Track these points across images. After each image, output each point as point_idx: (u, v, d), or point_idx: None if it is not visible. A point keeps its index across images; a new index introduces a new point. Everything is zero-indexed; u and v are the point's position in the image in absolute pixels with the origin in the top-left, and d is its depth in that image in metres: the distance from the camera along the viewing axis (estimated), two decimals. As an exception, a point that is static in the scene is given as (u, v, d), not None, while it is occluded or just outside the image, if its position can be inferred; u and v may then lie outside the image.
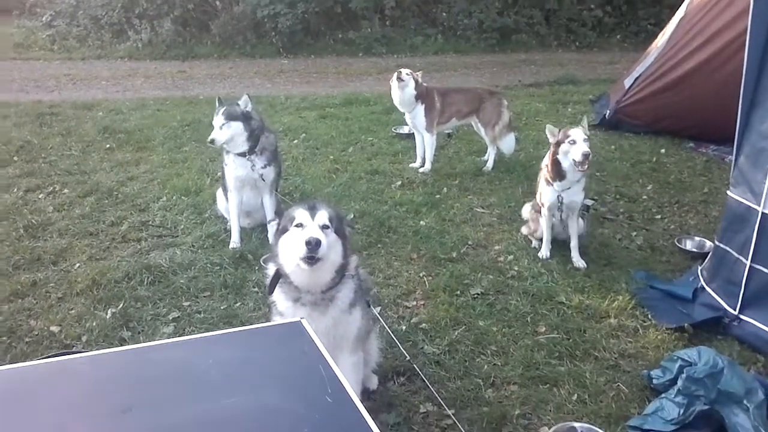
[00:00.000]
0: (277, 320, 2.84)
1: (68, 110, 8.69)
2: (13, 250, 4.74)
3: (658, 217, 5.70)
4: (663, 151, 7.45)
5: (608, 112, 8.17)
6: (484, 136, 6.79)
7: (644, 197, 6.11)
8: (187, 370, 1.85)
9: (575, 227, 4.79)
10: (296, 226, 2.64)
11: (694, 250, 4.97)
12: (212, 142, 4.81)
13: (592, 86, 10.78)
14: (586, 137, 4.55)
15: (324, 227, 2.63)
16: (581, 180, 4.68)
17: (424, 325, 3.98)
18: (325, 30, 14.69)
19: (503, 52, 14.74)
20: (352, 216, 5.41)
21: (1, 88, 10.24)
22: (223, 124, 4.77)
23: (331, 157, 7.04)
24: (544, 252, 4.86)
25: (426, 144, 6.68)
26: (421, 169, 6.66)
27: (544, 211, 4.81)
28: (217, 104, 4.87)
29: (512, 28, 15.24)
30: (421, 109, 6.55)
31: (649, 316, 4.09)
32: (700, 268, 4.44)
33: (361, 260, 4.60)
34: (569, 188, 4.65)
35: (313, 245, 2.53)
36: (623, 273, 4.64)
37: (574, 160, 4.50)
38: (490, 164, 6.76)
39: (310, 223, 2.62)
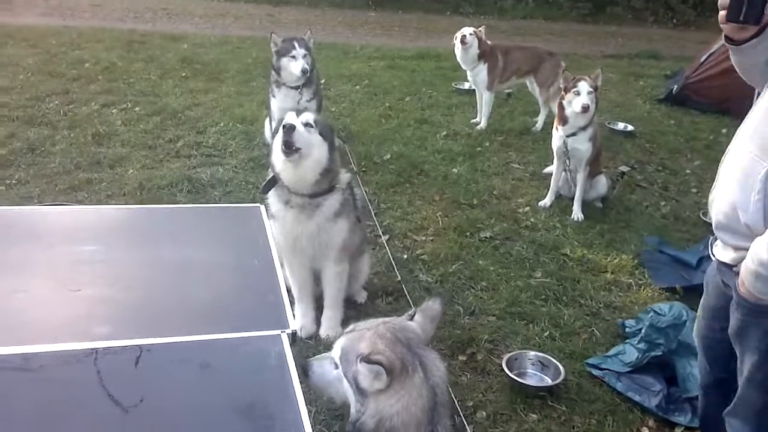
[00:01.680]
0: (270, 222, 3.18)
1: (156, 40, 9.33)
2: (78, 153, 5.30)
3: (694, 191, 5.67)
4: (724, 131, 7.24)
5: (675, 87, 8.01)
6: (537, 96, 6.86)
7: (687, 171, 6.06)
8: (146, 229, 2.22)
9: (582, 180, 4.90)
10: (283, 125, 2.95)
11: (719, 224, 4.97)
12: (304, 71, 5.04)
13: (674, 62, 10.46)
14: (591, 90, 4.62)
15: (307, 125, 2.94)
16: (587, 129, 4.76)
17: (425, 256, 4.24)
18: (416, -14, 14.80)
19: (594, 23, 14.43)
20: (388, 156, 5.69)
21: (104, 16, 11.05)
22: (305, 54, 5.08)
23: (387, 104, 7.31)
24: (547, 201, 5.04)
25: (484, 101, 6.80)
26: (477, 126, 6.80)
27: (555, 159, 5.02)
28: (277, 38, 5.17)
29: (607, 0, 14.85)
30: (483, 67, 6.64)
31: (646, 275, 4.20)
32: (711, 237, 4.47)
33: (386, 196, 4.94)
34: (574, 134, 4.77)
35: (287, 129, 2.84)
36: (637, 236, 4.72)
37: (574, 107, 4.61)
38: (539, 124, 6.84)
39: (294, 120, 2.93)
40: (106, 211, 2.48)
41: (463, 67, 6.79)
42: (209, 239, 2.19)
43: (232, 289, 1.94)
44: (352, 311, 3.61)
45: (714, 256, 2.20)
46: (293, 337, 1.73)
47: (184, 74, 7.77)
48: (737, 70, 2.15)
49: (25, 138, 5.49)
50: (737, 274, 2.02)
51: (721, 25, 1.98)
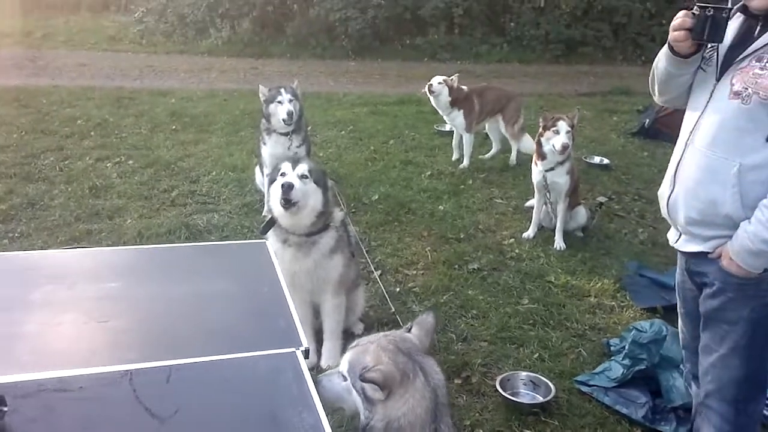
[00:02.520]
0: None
1: (144, 96, 9.60)
2: (77, 206, 5.49)
3: (670, 217, 5.92)
4: (696, 160, 7.58)
5: (647, 121, 8.37)
6: (504, 133, 7.15)
7: (662, 200, 6.32)
8: (161, 266, 2.41)
9: (562, 212, 5.15)
10: (281, 175, 3.18)
11: (695, 247, 5.22)
12: (290, 114, 5.24)
13: (645, 98, 10.77)
14: (569, 130, 4.89)
15: (302, 177, 3.16)
16: (565, 164, 5.03)
17: (416, 289, 4.44)
18: (393, 35, 15.28)
19: (567, 63, 14.92)
20: (376, 197, 5.92)
21: (91, 75, 11.32)
22: (291, 100, 5.31)
23: (372, 147, 7.58)
24: (530, 232, 5.29)
25: (465, 142, 7.08)
26: (460, 165, 7.06)
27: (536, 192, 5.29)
28: (264, 89, 5.43)
29: (578, 41, 15.38)
30: (459, 113, 6.91)
31: (627, 297, 4.42)
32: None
33: (376, 234, 5.14)
34: (552, 169, 5.03)
35: (285, 188, 3.06)
36: (617, 262, 4.96)
37: (553, 146, 4.87)
38: (513, 158, 7.14)
39: (290, 172, 3.15)
40: (122, 252, 2.67)
41: (440, 113, 7.09)
42: (221, 273, 2.37)
43: (247, 315, 2.12)
44: (350, 343, 3.77)
45: (679, 250, 2.43)
46: (307, 353, 1.91)
47: (174, 127, 8.01)
48: (659, 78, 2.42)
49: (24, 194, 5.67)
50: (714, 259, 2.27)
51: (673, 42, 2.22)
